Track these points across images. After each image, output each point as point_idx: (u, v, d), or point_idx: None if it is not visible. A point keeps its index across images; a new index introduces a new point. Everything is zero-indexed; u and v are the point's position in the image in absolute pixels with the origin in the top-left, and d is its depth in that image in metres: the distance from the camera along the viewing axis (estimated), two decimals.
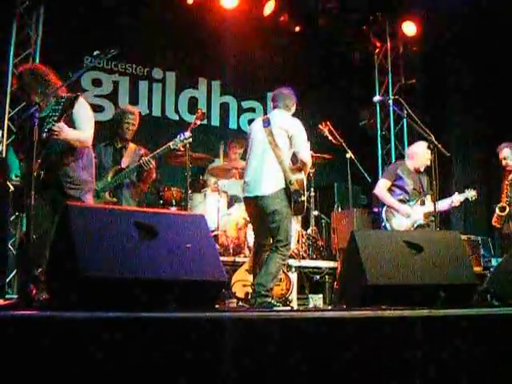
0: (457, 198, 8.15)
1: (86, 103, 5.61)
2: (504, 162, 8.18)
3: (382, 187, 8.08)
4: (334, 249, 9.32)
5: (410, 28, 11.31)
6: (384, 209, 8.07)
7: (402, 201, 7.97)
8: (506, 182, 8.09)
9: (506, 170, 8.20)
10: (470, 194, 8.18)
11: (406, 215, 7.88)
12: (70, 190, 5.45)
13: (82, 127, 5.47)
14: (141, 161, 6.99)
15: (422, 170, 8.13)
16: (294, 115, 6.73)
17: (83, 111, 5.53)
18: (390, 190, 8.07)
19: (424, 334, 3.37)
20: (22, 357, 2.51)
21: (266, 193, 6.31)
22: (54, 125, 5.18)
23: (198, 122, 7.73)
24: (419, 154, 8.05)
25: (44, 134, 5.23)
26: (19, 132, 5.71)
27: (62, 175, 5.46)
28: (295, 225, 8.57)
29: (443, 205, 7.99)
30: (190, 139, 6.95)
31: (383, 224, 7.99)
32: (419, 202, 7.96)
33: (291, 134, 6.45)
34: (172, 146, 7.00)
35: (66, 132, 5.28)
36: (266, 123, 6.53)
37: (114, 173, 7.03)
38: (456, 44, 10.64)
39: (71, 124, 5.39)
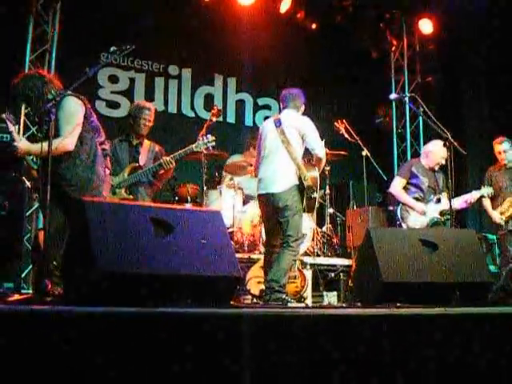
0: (473, 195, 8.07)
1: (70, 101, 5.40)
2: (503, 155, 8.34)
3: (397, 185, 8.03)
4: (348, 246, 9.31)
5: (426, 26, 11.27)
6: (399, 207, 8.00)
7: (417, 199, 7.94)
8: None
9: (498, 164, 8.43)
10: (487, 190, 8.13)
11: (422, 213, 7.83)
12: (70, 191, 5.34)
13: (60, 133, 5.23)
14: (161, 160, 7.00)
15: (436, 168, 8.08)
16: (306, 113, 6.77)
17: (61, 113, 5.29)
18: (405, 188, 8.04)
19: (439, 332, 3.36)
20: (38, 351, 2.53)
21: (279, 189, 6.36)
22: (12, 144, 5.23)
23: (214, 119, 7.75)
24: (434, 153, 8.02)
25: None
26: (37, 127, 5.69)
27: (59, 176, 5.31)
28: (310, 222, 8.57)
29: (459, 202, 7.94)
30: (214, 142, 6.98)
31: (398, 222, 7.92)
32: (435, 199, 7.91)
33: (303, 132, 6.54)
34: (195, 149, 7.02)
35: (25, 150, 5.31)
36: (278, 123, 6.60)
37: (131, 170, 7.04)
38: (472, 42, 10.59)
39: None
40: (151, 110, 7.30)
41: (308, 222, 8.62)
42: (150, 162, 7.15)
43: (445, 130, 6.90)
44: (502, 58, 10.40)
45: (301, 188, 6.37)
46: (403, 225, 7.89)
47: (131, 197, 6.96)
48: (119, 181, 6.92)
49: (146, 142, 7.33)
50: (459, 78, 11.32)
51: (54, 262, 5.04)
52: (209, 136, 7.00)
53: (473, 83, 11.15)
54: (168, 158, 6.98)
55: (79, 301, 3.68)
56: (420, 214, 7.85)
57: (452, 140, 6.52)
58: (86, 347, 2.60)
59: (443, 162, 7.84)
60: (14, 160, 6.73)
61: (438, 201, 7.91)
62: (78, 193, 5.27)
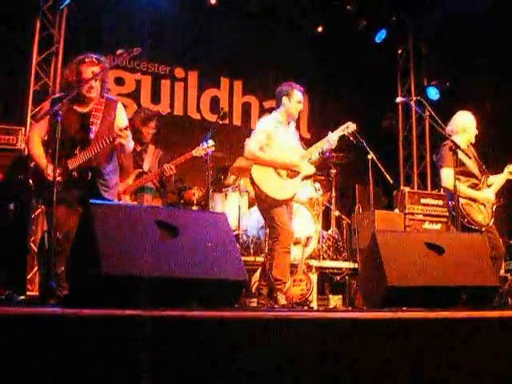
0: (510, 168, 7.23)
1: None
2: None
3: (450, 178, 6.59)
4: (354, 250, 9.30)
5: (432, 30, 11.27)
6: (461, 202, 6.75)
7: (472, 187, 7.06)
8: None
9: None
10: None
11: (485, 202, 7.05)
12: (104, 192, 5.59)
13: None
14: (163, 167, 7.01)
15: (473, 141, 7.29)
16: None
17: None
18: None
19: (444, 336, 3.35)
20: (42, 353, 2.53)
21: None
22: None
23: (220, 122, 7.75)
24: (470, 122, 7.25)
25: (91, 135, 5.46)
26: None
27: (98, 177, 5.59)
28: (316, 225, 8.57)
29: (499, 181, 7.22)
30: (213, 147, 6.98)
31: (465, 220, 6.88)
32: (486, 183, 7.16)
33: None
34: (194, 154, 7.02)
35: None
36: None
37: (136, 176, 7.05)
38: (478, 44, 10.56)
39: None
40: (158, 118, 7.31)
41: (313, 225, 8.63)
42: (155, 166, 7.16)
43: (450, 134, 6.90)
44: (509, 58, 10.37)
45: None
46: (470, 221, 6.91)
47: (135, 203, 6.98)
48: (124, 187, 6.93)
49: (151, 147, 7.36)
50: (465, 80, 11.28)
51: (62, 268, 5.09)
52: (209, 141, 7.00)
53: (478, 86, 11.10)
54: (168, 165, 7.00)
55: (84, 304, 3.67)
56: (482, 205, 7.02)
57: (458, 143, 6.49)
58: (90, 350, 2.60)
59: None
60: (19, 164, 6.80)
61: (488, 184, 7.18)
62: (110, 195, 5.57)
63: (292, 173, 6.59)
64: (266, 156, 6.54)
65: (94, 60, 5.61)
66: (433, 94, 11.86)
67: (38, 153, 5.54)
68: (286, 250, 6.48)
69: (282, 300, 6.39)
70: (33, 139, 5.61)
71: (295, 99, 6.76)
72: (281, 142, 6.67)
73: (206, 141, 7.03)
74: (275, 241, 6.44)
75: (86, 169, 5.54)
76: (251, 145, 6.57)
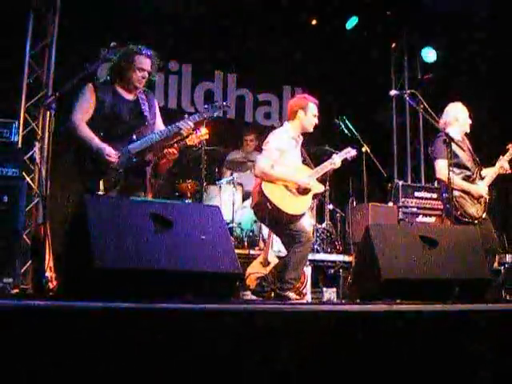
0: (502, 162, 7.19)
1: None
2: None
3: (444, 169, 6.57)
4: (348, 243, 9.31)
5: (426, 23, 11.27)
6: (454, 194, 6.67)
7: (465, 180, 6.99)
8: None
9: None
10: (511, 150, 7.25)
11: (479, 195, 6.98)
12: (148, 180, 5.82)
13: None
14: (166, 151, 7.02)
15: (468, 131, 7.25)
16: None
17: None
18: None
19: (438, 329, 3.36)
20: (36, 346, 2.53)
21: None
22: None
23: (215, 114, 7.74)
24: (461, 112, 7.23)
25: (146, 122, 5.72)
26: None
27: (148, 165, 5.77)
28: (310, 219, 8.57)
29: (492, 174, 7.17)
30: (207, 136, 6.93)
31: (459, 213, 6.82)
32: (479, 175, 7.11)
33: None
34: (188, 143, 6.97)
35: None
36: None
37: None
38: (473, 40, 10.57)
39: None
40: None
41: (307, 219, 8.64)
42: None
43: (444, 126, 6.90)
44: (503, 53, 10.38)
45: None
46: (464, 214, 6.87)
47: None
48: None
49: None
50: (459, 74, 11.28)
51: None
52: (202, 129, 6.94)
53: (473, 79, 11.10)
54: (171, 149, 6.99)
55: (78, 297, 3.67)
56: (476, 198, 6.98)
57: (451, 136, 6.49)
58: (84, 343, 2.60)
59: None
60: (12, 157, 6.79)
61: (481, 176, 7.13)
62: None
63: (303, 190, 6.57)
64: (278, 174, 6.49)
65: (149, 53, 5.70)
66: (430, 55, 11.81)
67: (90, 135, 5.40)
68: (306, 252, 6.51)
69: (292, 295, 6.41)
70: (80, 122, 5.43)
71: (311, 112, 6.75)
72: (291, 160, 6.64)
73: (199, 128, 6.98)
74: (297, 244, 6.40)
75: (144, 155, 5.61)
76: (264, 163, 6.50)
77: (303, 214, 6.65)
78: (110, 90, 5.58)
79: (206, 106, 6.22)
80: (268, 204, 6.36)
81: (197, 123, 5.91)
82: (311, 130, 6.82)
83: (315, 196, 6.79)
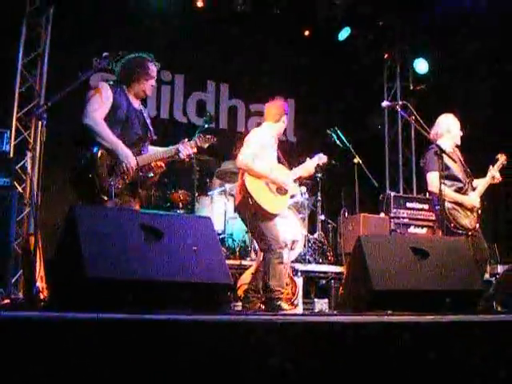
0: (493, 172, 7.18)
1: None
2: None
3: (437, 182, 6.44)
4: (340, 253, 9.32)
5: (418, 34, 11.32)
6: (447, 206, 6.72)
7: (457, 192, 6.95)
8: None
9: None
10: (501, 159, 7.27)
11: (472, 206, 6.96)
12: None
13: None
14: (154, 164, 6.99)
15: (459, 143, 7.28)
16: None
17: None
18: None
19: (429, 340, 3.36)
20: (26, 357, 2.52)
21: None
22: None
23: (206, 125, 7.73)
24: (453, 124, 7.22)
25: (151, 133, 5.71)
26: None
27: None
28: (301, 229, 8.58)
29: (483, 184, 7.15)
30: (195, 150, 6.92)
31: (452, 225, 6.78)
32: (471, 187, 7.11)
33: None
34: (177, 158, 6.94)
35: None
36: None
37: None
38: (465, 52, 10.60)
39: None
40: None
41: (299, 229, 8.64)
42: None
43: (436, 138, 6.91)
44: (496, 63, 10.41)
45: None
46: (457, 226, 6.82)
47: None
48: None
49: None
50: (450, 85, 11.31)
51: None
52: (191, 142, 6.93)
53: (464, 90, 11.13)
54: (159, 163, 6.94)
55: (69, 307, 3.66)
56: (469, 209, 6.95)
57: (442, 148, 6.50)
58: (75, 353, 2.59)
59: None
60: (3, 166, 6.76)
61: (473, 187, 7.13)
62: None
63: (282, 190, 6.63)
64: (259, 168, 6.53)
65: (155, 62, 5.74)
66: (421, 67, 11.87)
67: (115, 137, 5.23)
68: (280, 259, 6.49)
69: (285, 306, 6.43)
70: (101, 120, 5.22)
71: (284, 118, 7.07)
72: (269, 156, 6.71)
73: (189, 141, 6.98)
74: (267, 251, 6.43)
75: (143, 169, 5.46)
76: (246, 155, 6.54)
77: (278, 215, 6.68)
78: (122, 94, 5.49)
79: (202, 136, 6.05)
80: (250, 199, 6.41)
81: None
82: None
83: (292, 196, 6.91)
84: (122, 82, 5.61)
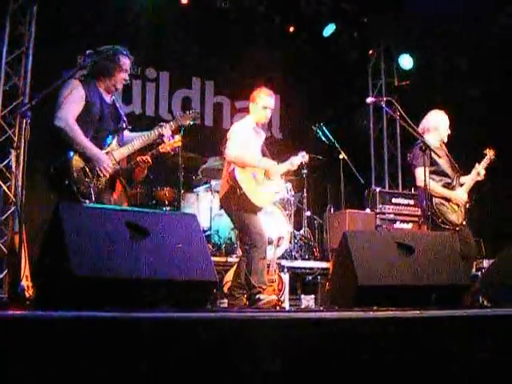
0: (480, 168, 7.24)
1: None
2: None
3: (423, 177, 6.44)
4: (326, 249, 9.32)
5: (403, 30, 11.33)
6: (435, 202, 6.83)
7: (445, 187, 7.03)
8: None
9: None
10: (489, 154, 7.30)
11: (459, 202, 7.02)
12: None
13: None
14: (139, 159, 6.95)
15: (445, 140, 7.28)
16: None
17: None
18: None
19: (415, 335, 3.37)
20: (11, 356, 2.51)
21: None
22: None
23: (192, 122, 7.72)
24: (442, 121, 7.23)
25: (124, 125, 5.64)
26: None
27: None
28: (287, 225, 8.59)
29: (469, 181, 7.21)
30: (179, 143, 6.88)
31: (440, 220, 6.84)
32: (458, 182, 7.15)
33: None
34: (161, 150, 6.89)
35: None
36: None
37: None
38: (448, 46, 10.62)
39: None
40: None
41: (285, 225, 8.65)
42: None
43: (421, 134, 6.92)
44: (480, 59, 10.43)
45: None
46: (445, 221, 6.89)
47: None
48: None
49: None
50: (436, 80, 11.33)
51: None
52: (176, 136, 6.90)
53: (450, 85, 11.16)
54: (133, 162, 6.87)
55: (54, 306, 3.65)
56: (456, 204, 7.01)
57: (428, 144, 6.51)
58: (60, 354, 2.58)
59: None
60: None
61: (461, 183, 7.18)
62: None
63: (271, 175, 6.66)
64: (248, 158, 6.54)
65: (130, 56, 5.68)
66: (406, 62, 11.89)
67: (87, 141, 5.19)
68: (262, 255, 6.48)
69: (263, 296, 6.38)
70: (73, 123, 5.16)
71: (261, 104, 6.90)
72: (253, 147, 6.72)
73: (173, 136, 6.94)
74: (251, 247, 6.42)
75: (124, 162, 5.52)
76: (234, 147, 6.54)
77: (261, 208, 6.72)
78: (94, 90, 5.40)
79: (181, 114, 6.12)
80: (238, 190, 6.40)
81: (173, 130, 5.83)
82: (264, 121, 7.00)
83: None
84: (93, 75, 5.49)
